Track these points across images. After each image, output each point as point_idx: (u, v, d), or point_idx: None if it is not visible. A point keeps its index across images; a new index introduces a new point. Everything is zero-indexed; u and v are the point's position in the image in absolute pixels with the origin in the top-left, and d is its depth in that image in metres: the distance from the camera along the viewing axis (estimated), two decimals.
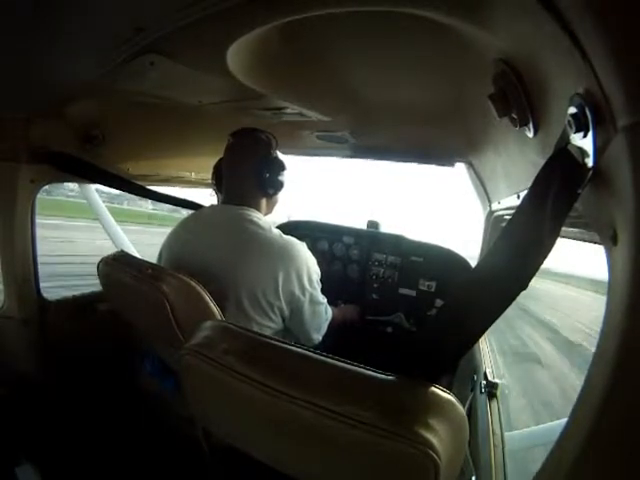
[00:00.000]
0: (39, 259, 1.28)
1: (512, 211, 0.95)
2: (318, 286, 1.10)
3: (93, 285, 1.31)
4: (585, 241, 0.70)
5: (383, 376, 0.49)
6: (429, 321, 1.31)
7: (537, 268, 0.43)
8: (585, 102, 0.38)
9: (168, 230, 1.20)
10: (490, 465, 0.89)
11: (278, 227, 1.26)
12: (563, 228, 0.43)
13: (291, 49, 0.87)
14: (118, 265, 0.99)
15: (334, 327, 1.25)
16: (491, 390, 1.19)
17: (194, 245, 1.08)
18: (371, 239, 1.81)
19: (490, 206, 1.44)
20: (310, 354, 0.55)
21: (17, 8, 0.56)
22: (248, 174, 1.10)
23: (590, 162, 0.39)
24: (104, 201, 2.07)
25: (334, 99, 1.17)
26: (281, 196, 1.20)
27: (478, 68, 0.70)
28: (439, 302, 1.67)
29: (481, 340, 1.40)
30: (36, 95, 0.99)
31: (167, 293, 0.83)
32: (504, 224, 1.16)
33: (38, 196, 1.25)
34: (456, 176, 1.70)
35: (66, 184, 1.29)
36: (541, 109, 0.57)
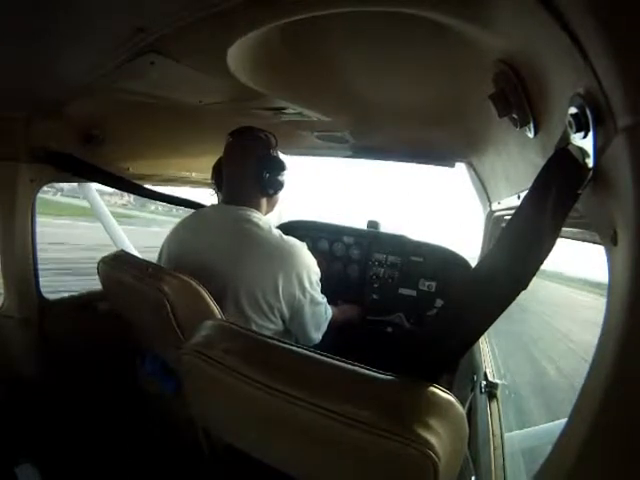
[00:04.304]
0: None
1: (512, 211, 0.95)
2: (318, 286, 1.10)
3: None
4: (585, 241, 0.70)
5: (383, 376, 0.49)
6: (429, 321, 1.31)
7: (537, 268, 0.43)
8: (585, 102, 0.38)
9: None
10: (490, 466, 0.89)
11: (279, 227, 1.25)
12: (563, 228, 0.43)
13: (292, 49, 0.87)
14: (118, 265, 0.99)
15: (334, 326, 1.26)
16: (491, 390, 1.18)
17: (194, 245, 1.07)
18: (371, 239, 1.81)
19: (490, 206, 1.44)
20: (310, 354, 0.55)
21: (17, 8, 0.56)
22: (247, 174, 1.10)
23: (590, 162, 0.39)
24: None
25: (334, 99, 1.17)
26: (281, 195, 1.20)
27: (478, 68, 0.70)
28: (439, 302, 1.67)
29: (481, 340, 1.40)
30: (36, 95, 0.99)
31: (167, 293, 0.83)
32: (504, 224, 1.16)
33: None
34: (456, 176, 1.70)
35: None
36: (541, 109, 0.57)
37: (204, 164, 1.55)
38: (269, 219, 1.16)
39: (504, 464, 0.92)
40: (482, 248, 1.58)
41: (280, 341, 0.59)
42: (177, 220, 1.22)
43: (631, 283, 0.32)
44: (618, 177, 0.35)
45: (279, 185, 1.14)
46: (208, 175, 1.33)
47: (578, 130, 0.39)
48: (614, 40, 0.32)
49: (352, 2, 0.60)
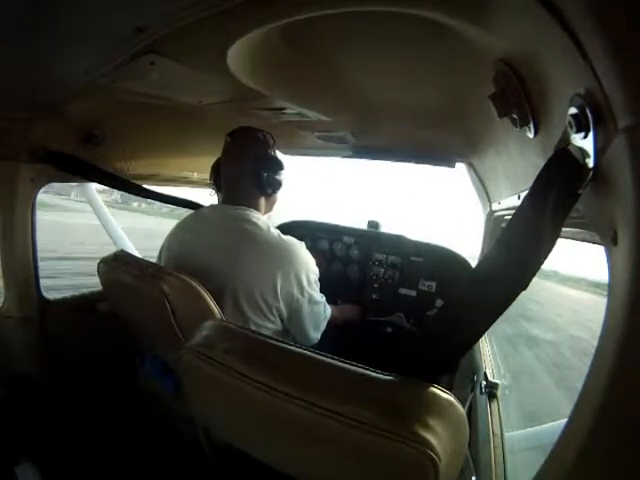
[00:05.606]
0: None
1: (512, 211, 0.95)
2: (317, 286, 1.10)
3: None
4: (585, 241, 0.70)
5: (383, 376, 0.49)
6: (429, 321, 1.31)
7: (537, 268, 0.43)
8: (585, 102, 0.38)
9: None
10: (490, 466, 0.89)
11: (278, 227, 1.25)
12: (563, 228, 0.43)
13: (292, 49, 0.87)
14: (118, 265, 0.99)
15: (334, 326, 1.25)
16: (491, 390, 1.18)
17: (193, 245, 1.08)
18: (371, 239, 1.81)
19: (490, 206, 1.44)
20: (310, 354, 0.55)
21: (17, 8, 0.56)
22: (246, 174, 1.10)
23: (591, 163, 0.39)
24: None
25: (334, 99, 1.17)
26: (280, 195, 1.20)
27: (479, 68, 0.70)
28: (439, 302, 1.67)
29: (481, 340, 1.40)
30: (37, 95, 0.99)
31: (167, 292, 0.83)
32: (504, 224, 1.16)
33: None
34: (456, 176, 1.70)
35: None
36: (542, 109, 0.57)
37: (204, 164, 1.55)
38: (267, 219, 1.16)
39: (504, 464, 0.92)
40: (482, 248, 1.58)
41: (280, 341, 0.59)
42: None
43: (631, 283, 0.32)
44: (618, 177, 0.35)
45: (277, 184, 1.14)
46: (208, 175, 1.33)
47: (578, 130, 0.39)
48: (614, 40, 0.32)
49: (352, 2, 0.59)
